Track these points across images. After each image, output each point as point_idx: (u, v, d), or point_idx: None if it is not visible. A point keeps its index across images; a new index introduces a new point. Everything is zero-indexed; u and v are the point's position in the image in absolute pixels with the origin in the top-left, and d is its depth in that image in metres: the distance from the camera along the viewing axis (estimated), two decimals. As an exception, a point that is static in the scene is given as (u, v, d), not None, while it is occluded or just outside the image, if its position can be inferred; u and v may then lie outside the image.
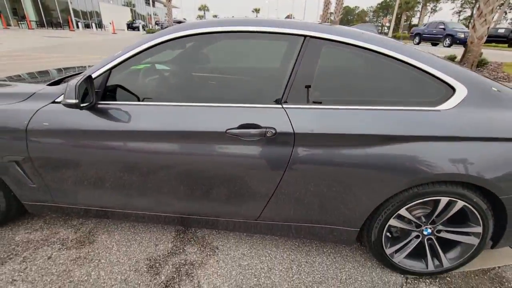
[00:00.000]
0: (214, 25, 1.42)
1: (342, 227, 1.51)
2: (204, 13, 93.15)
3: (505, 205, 1.34)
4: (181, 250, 1.72)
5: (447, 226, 1.47)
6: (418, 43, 20.04)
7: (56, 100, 1.48)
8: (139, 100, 1.50)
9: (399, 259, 1.55)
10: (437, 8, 69.73)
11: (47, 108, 1.46)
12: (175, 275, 1.54)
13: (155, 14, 60.51)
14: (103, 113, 1.44)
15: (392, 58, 1.37)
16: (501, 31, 24.00)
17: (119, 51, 1.50)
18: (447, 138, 1.29)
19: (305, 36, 1.38)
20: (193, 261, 1.64)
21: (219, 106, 1.38)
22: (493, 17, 7.07)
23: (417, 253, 1.55)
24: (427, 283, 1.55)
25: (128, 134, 1.42)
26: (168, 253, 1.69)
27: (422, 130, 1.30)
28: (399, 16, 50.10)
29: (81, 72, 2.01)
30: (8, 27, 25.99)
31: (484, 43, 7.48)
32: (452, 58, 8.08)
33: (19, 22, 28.29)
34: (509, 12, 55.67)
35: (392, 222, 1.46)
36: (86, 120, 1.44)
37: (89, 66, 2.20)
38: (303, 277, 1.56)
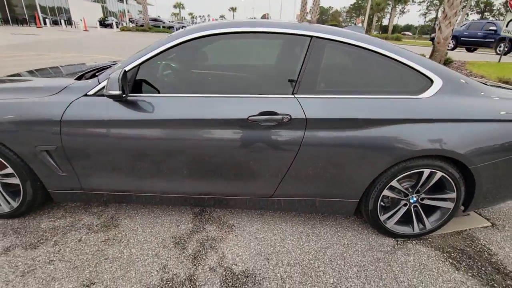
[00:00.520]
0: (235, 26, 1.63)
1: (345, 199, 1.78)
2: (180, 10, 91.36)
3: (474, 174, 1.67)
4: (201, 229, 1.90)
5: (429, 194, 1.79)
6: (453, 49, 15.50)
7: (87, 93, 1.61)
8: (164, 93, 1.66)
9: (391, 224, 1.85)
10: (405, 10, 73.54)
11: (80, 100, 1.59)
12: (200, 249, 1.73)
13: (128, 11, 58.39)
14: (133, 104, 1.59)
15: (382, 55, 1.65)
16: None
17: (144, 49, 1.66)
18: (428, 121, 1.59)
19: (311, 36, 1.63)
20: (214, 237, 1.83)
21: (241, 97, 1.59)
22: (457, 20, 7.77)
23: (405, 219, 1.85)
24: (413, 243, 1.86)
25: (157, 123, 1.58)
26: (190, 232, 1.87)
27: (408, 114, 1.59)
28: (371, 17, 52.29)
29: (101, 67, 2.12)
30: (-34, 23, 24.10)
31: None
32: (421, 57, 8.75)
33: (-21, 18, 26.34)
34: (470, 14, 59.90)
35: (386, 192, 1.74)
36: (117, 110, 1.58)
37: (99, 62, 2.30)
38: (312, 244, 1.81)
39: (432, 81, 1.66)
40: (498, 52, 12.86)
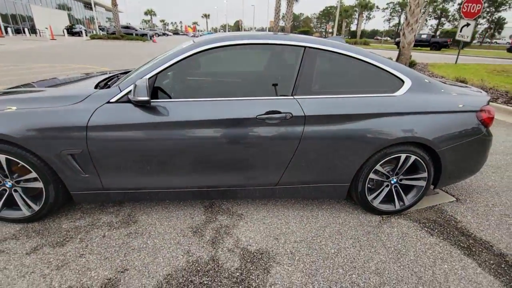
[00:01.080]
0: (240, 38, 1.89)
1: (339, 184, 2.08)
2: (151, 17, 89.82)
3: (440, 156, 2.04)
4: (214, 219, 2.12)
5: (406, 175, 2.14)
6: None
7: (110, 101, 1.79)
8: (180, 98, 1.87)
9: (376, 203, 2.18)
10: (371, 16, 77.85)
11: (104, 107, 1.77)
12: (217, 235, 1.95)
13: (95, 19, 56.45)
14: (153, 108, 1.79)
15: (363, 61, 1.99)
16: (424, 36, 28.06)
17: (161, 59, 1.87)
18: (402, 114, 1.95)
19: (305, 47, 1.93)
20: (227, 225, 2.06)
21: (249, 99, 1.85)
22: (418, 26, 8.59)
23: (388, 198, 2.19)
24: (395, 218, 2.20)
25: (176, 124, 1.79)
26: (204, 222, 2.08)
27: (386, 109, 1.94)
28: (340, 23, 54.78)
29: (115, 75, 2.28)
30: None
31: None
32: (389, 60, 9.52)
33: None
34: (429, 19, 64.65)
35: (371, 175, 2.07)
36: (138, 115, 1.77)
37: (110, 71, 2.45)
38: (312, 224, 2.09)
39: (403, 82, 2.03)
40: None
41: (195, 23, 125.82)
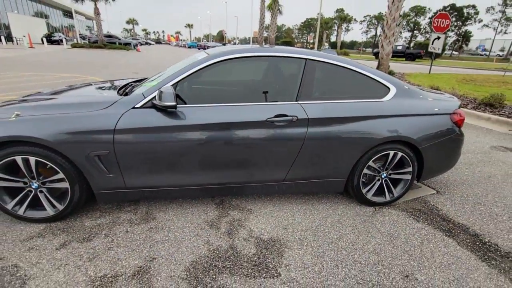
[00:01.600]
0: (250, 51, 2.15)
1: (337, 178, 2.35)
2: (133, 26, 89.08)
3: (422, 153, 2.37)
4: (226, 214, 2.32)
5: (394, 170, 2.45)
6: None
7: (135, 106, 1.97)
8: (198, 103, 2.09)
9: (369, 196, 2.46)
10: (349, 28, 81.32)
11: (130, 112, 1.95)
12: (231, 227, 2.15)
13: (73, 27, 55.01)
14: (174, 113, 2.00)
15: (355, 71, 2.31)
16: (399, 48, 29.74)
17: (181, 69, 2.08)
18: (390, 116, 2.27)
19: (306, 59, 2.22)
20: (239, 218, 2.26)
21: (260, 105, 2.10)
22: (394, 38, 9.28)
23: (379, 191, 2.48)
24: (386, 209, 2.49)
25: (196, 127, 2.00)
26: (218, 217, 2.27)
27: (376, 112, 2.24)
28: (321, 34, 56.91)
29: (128, 84, 2.46)
30: None
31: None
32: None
33: None
34: (403, 32, 68.40)
35: (365, 171, 2.36)
36: (161, 119, 1.97)
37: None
38: (315, 216, 2.34)
39: (389, 89, 2.36)
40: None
41: (178, 32, 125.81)
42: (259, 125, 2.07)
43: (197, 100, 2.13)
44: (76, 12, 38.50)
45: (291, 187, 2.35)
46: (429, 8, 67.10)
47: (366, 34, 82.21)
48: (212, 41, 70.52)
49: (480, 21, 61.37)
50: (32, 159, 1.90)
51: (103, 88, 2.59)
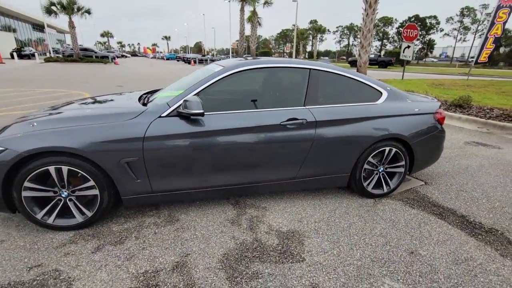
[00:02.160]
0: (262, 63, 2.40)
1: (342, 174, 2.63)
2: (108, 39, 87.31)
3: (412, 148, 2.71)
4: (244, 212, 2.50)
5: (389, 164, 2.76)
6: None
7: (161, 115, 2.14)
8: (218, 111, 2.28)
9: (370, 188, 2.75)
10: (324, 38, 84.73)
11: (157, 121, 2.12)
12: (251, 223, 2.33)
13: (43, 40, 52.92)
14: (196, 120, 2.19)
15: (352, 78, 2.62)
16: (372, 56, 31.54)
17: (201, 80, 2.28)
18: (384, 117, 2.59)
19: (310, 69, 2.51)
20: (256, 215, 2.45)
21: (273, 110, 2.34)
22: (370, 48, 9.98)
23: (378, 184, 2.78)
24: (385, 200, 2.79)
25: (218, 132, 2.20)
26: (237, 215, 2.45)
27: (373, 114, 2.56)
28: (298, 44, 58.91)
29: (143, 95, 2.61)
30: None
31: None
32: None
33: None
34: (374, 41, 72.28)
35: (366, 166, 2.65)
36: (185, 126, 2.15)
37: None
38: (324, 209, 2.58)
39: (381, 93, 2.70)
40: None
41: (154, 44, 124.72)
42: (274, 128, 2.31)
43: (216, 108, 2.32)
44: (48, 25, 37.31)
45: (302, 184, 2.59)
46: (395, 19, 71.66)
47: (340, 44, 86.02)
48: (190, 53, 70.70)
49: (442, 30, 66.42)
50: (65, 169, 2.00)
51: (122, 100, 2.72)
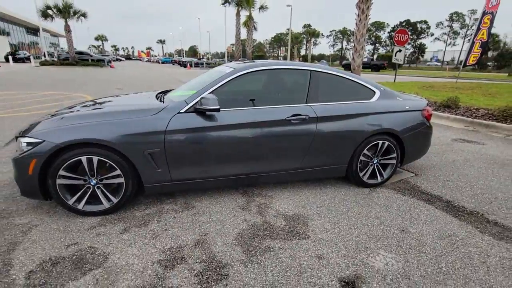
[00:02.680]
0: (269, 65, 2.69)
1: (340, 165, 2.91)
2: (102, 43, 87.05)
3: (403, 141, 3.01)
4: (253, 200, 2.76)
5: (383, 157, 3.06)
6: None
7: (180, 111, 2.40)
8: (231, 108, 2.54)
9: (365, 179, 3.04)
10: (317, 42, 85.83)
11: (177, 116, 2.37)
12: (260, 209, 2.59)
13: (36, 44, 52.55)
14: (211, 116, 2.45)
15: (348, 79, 2.92)
16: (365, 59, 32.21)
17: (214, 80, 2.55)
18: (377, 113, 2.89)
19: (311, 70, 2.80)
20: (264, 202, 2.71)
21: (280, 107, 2.62)
22: (363, 52, 10.37)
23: (372, 175, 3.07)
24: (379, 189, 3.08)
25: (231, 126, 2.46)
26: (246, 202, 2.71)
27: (367, 110, 2.86)
28: (292, 48, 59.65)
29: (159, 93, 2.86)
30: None
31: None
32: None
33: None
34: (366, 45, 73.45)
35: (361, 158, 2.94)
36: (200, 120, 2.41)
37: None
38: (325, 196, 2.86)
39: (374, 92, 3.00)
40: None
41: (149, 48, 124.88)
42: (280, 123, 2.58)
43: (228, 105, 2.58)
44: (43, 29, 37.18)
45: (304, 173, 2.86)
46: (387, 24, 73.16)
47: (333, 48, 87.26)
48: (185, 57, 71.02)
49: (432, 34, 67.98)
50: (95, 159, 2.23)
51: (142, 98, 2.98)
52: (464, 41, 61.34)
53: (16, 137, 2.46)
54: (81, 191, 2.32)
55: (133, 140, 2.26)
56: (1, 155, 3.71)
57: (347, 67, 26.69)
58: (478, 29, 12.02)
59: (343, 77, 2.93)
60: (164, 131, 2.32)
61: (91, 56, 31.77)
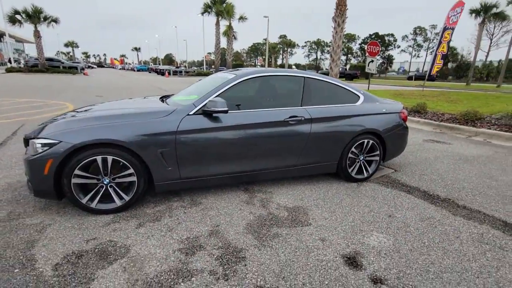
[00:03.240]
0: (268, 72, 2.96)
1: (331, 162, 3.23)
2: (73, 49, 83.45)
3: (385, 140, 3.40)
4: (254, 195, 2.98)
5: (367, 154, 3.42)
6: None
7: (189, 113, 2.59)
8: (235, 110, 2.77)
9: (353, 174, 3.38)
10: (293, 52, 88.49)
11: (186, 118, 2.56)
12: (263, 203, 2.82)
13: (2, 50, 49.54)
14: (217, 118, 2.66)
15: (337, 85, 3.28)
16: (339, 69, 33.85)
17: (219, 85, 2.78)
18: (362, 115, 3.26)
19: (304, 77, 3.12)
20: (265, 197, 2.94)
21: (278, 109, 2.89)
22: (340, 61, 11.07)
23: (359, 170, 3.42)
24: (366, 183, 3.43)
25: (235, 127, 2.69)
26: (249, 197, 2.92)
27: (354, 112, 3.22)
28: (269, 57, 61.06)
29: (163, 96, 3.03)
30: None
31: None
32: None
33: None
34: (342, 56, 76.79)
35: (349, 155, 3.28)
36: (208, 122, 2.62)
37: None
38: (319, 191, 3.15)
39: (359, 96, 3.38)
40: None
41: (123, 55, 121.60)
42: (279, 124, 2.85)
43: (231, 107, 2.81)
44: (4, 34, 35.07)
45: (301, 170, 3.14)
46: (358, 36, 77.36)
47: (308, 58, 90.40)
48: (161, 64, 70.13)
49: (399, 46, 72.81)
50: (110, 158, 2.36)
51: (149, 102, 3.12)
52: (427, 53, 66.27)
53: (26, 140, 2.51)
54: (94, 190, 2.42)
55: (146, 140, 2.42)
56: (-8, 161, 3.63)
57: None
58: (440, 42, 13.28)
59: (332, 83, 3.28)
60: (175, 131, 2.50)
61: (63, 63, 30.48)
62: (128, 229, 2.28)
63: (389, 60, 70.79)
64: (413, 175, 3.72)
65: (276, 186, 3.24)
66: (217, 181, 2.85)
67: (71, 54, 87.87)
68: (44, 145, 2.26)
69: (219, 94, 2.74)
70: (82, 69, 30.03)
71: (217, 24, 26.42)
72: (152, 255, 1.98)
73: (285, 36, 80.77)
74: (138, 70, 55.05)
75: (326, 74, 13.05)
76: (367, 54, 14.16)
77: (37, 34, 25.52)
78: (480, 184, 3.46)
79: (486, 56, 42.20)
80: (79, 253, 1.97)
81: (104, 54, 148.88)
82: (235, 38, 25.69)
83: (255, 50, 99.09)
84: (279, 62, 78.27)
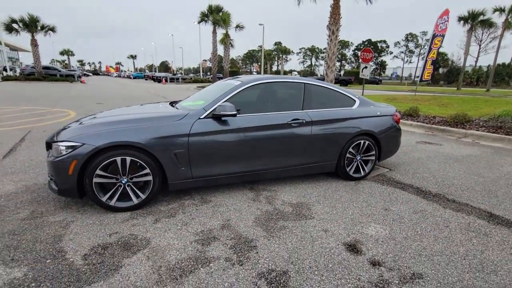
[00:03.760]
0: (273, 78, 3.21)
1: (331, 162, 3.46)
2: (68, 58, 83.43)
3: (380, 141, 3.65)
4: (260, 193, 3.19)
5: (364, 154, 3.67)
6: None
7: (200, 117, 2.81)
8: (242, 113, 2.99)
9: (351, 173, 3.61)
10: (288, 59, 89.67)
11: (198, 121, 2.78)
12: (268, 200, 3.03)
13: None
14: (225, 121, 2.89)
15: (335, 90, 3.54)
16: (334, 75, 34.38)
17: (226, 91, 3.01)
18: (359, 118, 3.51)
19: (305, 83, 3.37)
20: (270, 195, 3.16)
21: (281, 113, 3.13)
22: (335, 68, 11.43)
23: (356, 169, 3.65)
24: (363, 181, 3.66)
25: (241, 129, 2.91)
26: (255, 195, 3.13)
27: (351, 115, 3.47)
28: (265, 64, 61.81)
29: (172, 102, 3.25)
30: None
31: (333, 83, 11.79)
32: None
33: None
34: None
35: (347, 155, 3.52)
36: (217, 125, 2.84)
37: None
38: (320, 189, 3.37)
39: (355, 101, 3.64)
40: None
41: (118, 63, 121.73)
42: (283, 126, 3.09)
43: (238, 111, 3.04)
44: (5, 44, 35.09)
45: (302, 169, 3.36)
46: (351, 42, 78.88)
47: (303, 64, 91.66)
48: (157, 72, 70.50)
49: (391, 53, 74.41)
50: (128, 159, 2.55)
51: (162, 107, 3.35)
52: (418, 59, 67.72)
53: (48, 143, 2.70)
54: (113, 189, 2.61)
55: (162, 142, 2.62)
56: (5, 167, 3.80)
57: (318, 82, 28.40)
58: (430, 49, 13.78)
59: (330, 89, 3.54)
60: (188, 134, 2.71)
61: (59, 71, 30.56)
62: (146, 224, 2.47)
63: (382, 65, 72.10)
64: (406, 174, 3.97)
65: (280, 185, 3.46)
66: (225, 180, 3.05)
67: (66, 62, 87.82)
68: (68, 147, 2.45)
69: (227, 99, 2.97)
70: (79, 77, 30.13)
71: (214, 32, 26.87)
72: (171, 245, 2.17)
73: (280, 43, 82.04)
74: (135, 78, 55.20)
75: (322, 79, 13.41)
76: (360, 60, 14.58)
77: (34, 43, 25.66)
78: (468, 181, 3.72)
79: (476, 61, 43.42)
80: (104, 245, 2.15)
81: (100, 62, 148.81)
82: (232, 46, 26.19)
83: (251, 57, 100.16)
84: (274, 68, 79.19)
